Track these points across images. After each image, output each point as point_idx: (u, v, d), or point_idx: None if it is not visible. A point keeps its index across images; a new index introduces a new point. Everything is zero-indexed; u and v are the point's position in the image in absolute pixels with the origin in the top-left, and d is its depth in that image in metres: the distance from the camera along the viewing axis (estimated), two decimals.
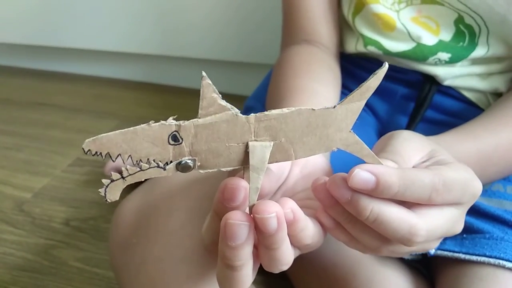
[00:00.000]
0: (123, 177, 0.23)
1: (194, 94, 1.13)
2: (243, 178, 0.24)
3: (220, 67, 1.09)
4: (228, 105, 0.23)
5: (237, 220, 0.22)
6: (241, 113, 0.24)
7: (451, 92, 0.51)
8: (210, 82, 0.22)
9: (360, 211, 0.24)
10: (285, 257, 0.25)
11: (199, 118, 0.23)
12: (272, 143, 0.24)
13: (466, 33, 0.48)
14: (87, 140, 0.22)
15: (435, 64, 0.49)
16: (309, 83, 0.44)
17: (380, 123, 0.54)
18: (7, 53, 1.31)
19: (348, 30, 0.54)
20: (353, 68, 0.55)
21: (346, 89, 0.55)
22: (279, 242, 0.23)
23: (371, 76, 0.24)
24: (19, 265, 0.64)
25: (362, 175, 0.24)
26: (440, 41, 0.48)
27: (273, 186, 0.28)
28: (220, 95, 0.22)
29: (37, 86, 1.21)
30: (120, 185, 0.23)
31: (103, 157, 0.22)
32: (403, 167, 0.27)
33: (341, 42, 0.55)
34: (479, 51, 0.48)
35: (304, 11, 0.52)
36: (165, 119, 0.23)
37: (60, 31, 1.15)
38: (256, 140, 0.24)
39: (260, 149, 0.23)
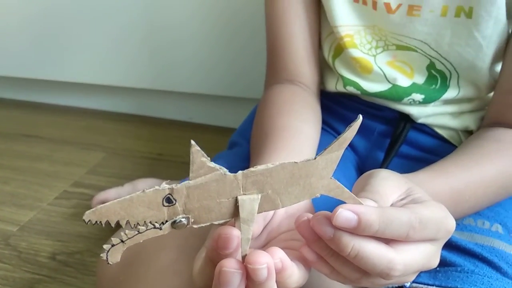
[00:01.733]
0: (122, 241, 0.25)
1: (179, 126, 1.15)
2: (234, 226, 0.26)
3: (206, 100, 1.12)
4: (217, 166, 0.25)
5: (231, 268, 0.24)
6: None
7: (425, 129, 0.54)
8: (199, 148, 0.24)
9: (342, 248, 0.26)
10: None
11: (190, 180, 0.25)
12: (259, 196, 0.26)
13: (438, 77, 0.51)
14: (87, 212, 0.24)
15: (410, 104, 0.52)
16: (292, 122, 0.47)
17: (359, 158, 0.57)
18: None
19: (328, 70, 0.57)
20: (333, 105, 0.58)
21: (326, 125, 0.57)
22: None
23: (347, 129, 0.27)
24: None
25: (345, 214, 0.26)
26: (414, 84, 0.51)
27: (259, 228, 0.30)
28: (209, 158, 0.25)
29: (25, 118, 1.22)
30: (120, 248, 0.25)
31: (103, 225, 0.24)
32: (383, 207, 0.29)
33: (322, 81, 0.58)
34: (451, 93, 0.51)
35: (287, 52, 0.55)
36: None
37: (48, 64, 1.16)
38: (245, 194, 0.26)
39: (249, 202, 0.26)
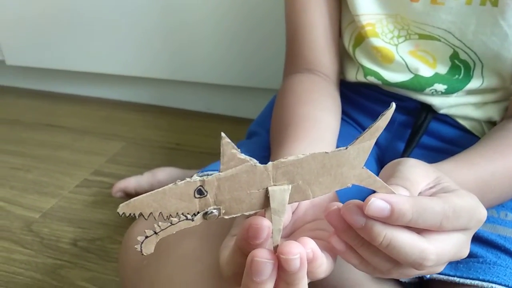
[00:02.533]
0: (156, 233, 0.25)
1: (197, 116, 1.16)
2: (264, 216, 0.26)
3: (225, 91, 1.12)
4: (247, 157, 0.25)
5: (264, 258, 0.24)
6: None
7: (447, 120, 0.53)
8: (229, 140, 0.24)
9: (373, 237, 0.26)
10: None
11: (221, 172, 0.25)
12: (290, 186, 0.26)
13: (461, 67, 0.50)
14: (121, 205, 0.24)
15: (432, 94, 0.51)
16: (312, 111, 0.47)
17: (379, 149, 0.56)
18: (18, 75, 1.34)
19: (348, 60, 0.57)
20: (353, 95, 0.58)
21: (346, 115, 0.57)
22: (299, 279, 0.25)
23: (379, 117, 0.26)
24: (28, 285, 0.65)
25: (378, 203, 0.26)
26: (437, 74, 0.50)
27: (289, 219, 0.30)
28: (239, 149, 0.25)
29: (46, 108, 1.24)
30: (154, 240, 0.25)
31: (137, 217, 0.25)
32: (415, 196, 0.28)
33: (341, 71, 0.57)
34: (474, 83, 0.50)
35: (307, 41, 0.54)
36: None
37: (70, 55, 1.18)
38: (275, 185, 0.26)
39: (280, 193, 0.26)
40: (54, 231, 0.76)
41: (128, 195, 0.78)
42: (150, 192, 0.25)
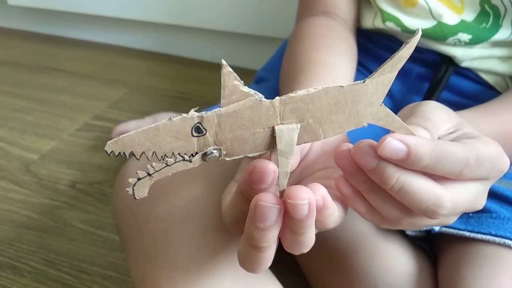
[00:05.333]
0: (149, 175, 0.23)
1: (206, 66, 1.12)
2: (270, 160, 0.24)
3: (232, 39, 1.08)
4: (252, 91, 0.22)
5: (269, 202, 0.22)
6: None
7: (469, 74, 0.50)
8: (231, 69, 0.21)
9: (385, 180, 0.24)
10: (310, 241, 0.25)
11: (222, 107, 0.22)
12: (299, 125, 0.23)
13: (490, 13, 0.46)
14: (109, 142, 0.21)
15: (454, 44, 0.48)
16: (327, 57, 0.44)
17: (393, 102, 0.53)
18: (20, 17, 1.30)
19: (366, 5, 0.53)
20: (368, 44, 0.54)
21: (359, 64, 0.54)
22: (306, 228, 0.23)
23: (403, 45, 0.23)
24: (24, 223, 0.65)
25: (393, 144, 0.23)
26: (462, 21, 0.47)
27: (297, 162, 0.28)
28: (242, 82, 0.22)
29: (49, 51, 1.21)
30: (148, 182, 0.23)
31: (127, 157, 0.22)
32: (436, 140, 0.26)
33: (357, 17, 0.54)
34: (502, 34, 0.46)
35: None
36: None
37: None
38: (283, 123, 0.23)
39: (287, 132, 0.23)
40: (52, 173, 0.75)
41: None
42: (142, 128, 0.22)
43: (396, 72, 0.24)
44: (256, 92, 0.22)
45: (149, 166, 0.23)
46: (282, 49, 0.58)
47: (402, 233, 0.41)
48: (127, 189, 0.23)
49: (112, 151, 0.22)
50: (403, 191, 0.24)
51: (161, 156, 0.22)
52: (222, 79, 0.21)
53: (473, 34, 0.46)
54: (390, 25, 0.49)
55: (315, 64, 0.42)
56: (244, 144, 0.23)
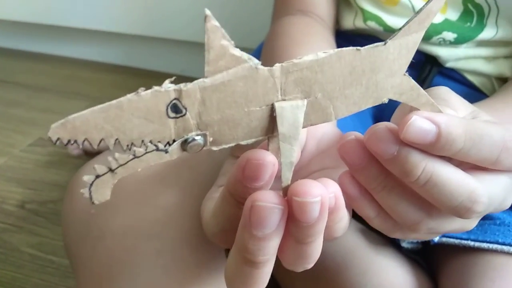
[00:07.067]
0: (111, 170, 0.17)
1: (175, 80, 1.07)
2: (267, 150, 0.19)
3: (202, 50, 1.03)
4: (244, 55, 0.17)
5: (269, 202, 0.17)
6: None
7: (453, 75, 0.48)
8: (218, 24, 0.16)
9: (409, 170, 0.19)
10: (316, 253, 0.20)
11: (206, 77, 0.17)
12: (305, 102, 0.18)
13: (474, 13, 0.45)
14: (53, 126, 0.15)
15: (439, 44, 0.46)
16: (308, 54, 0.40)
17: (376, 106, 0.50)
18: None
19: (345, 5, 0.51)
20: (348, 45, 0.51)
21: None
22: (315, 234, 0.18)
23: None
24: None
25: (421, 123, 0.19)
26: (446, 20, 0.45)
27: (298, 152, 0.23)
28: (233, 42, 0.17)
29: (1, 64, 1.12)
30: (110, 181, 0.17)
31: (80, 146, 0.16)
32: (468, 119, 0.22)
33: (337, 18, 0.51)
34: (487, 33, 0.45)
35: None
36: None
37: (29, 4, 1.07)
38: (285, 100, 0.18)
39: (291, 111, 0.18)
40: None
41: (88, 154, 0.70)
42: (98, 107, 0.16)
43: (423, 32, 0.20)
44: (250, 56, 0.17)
45: (110, 159, 0.17)
46: (258, 51, 0.55)
47: (396, 246, 0.37)
48: (81, 190, 0.17)
49: (58, 138, 0.16)
50: (431, 184, 0.19)
51: (127, 145, 0.17)
52: (206, 37, 0.16)
53: (458, 33, 0.45)
54: (371, 24, 0.47)
55: None
56: (236, 128, 0.18)
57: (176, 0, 0.96)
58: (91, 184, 0.17)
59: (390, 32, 0.47)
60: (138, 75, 1.09)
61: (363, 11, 0.47)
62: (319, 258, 0.36)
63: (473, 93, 0.47)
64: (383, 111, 0.49)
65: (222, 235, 0.21)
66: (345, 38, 0.51)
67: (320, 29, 0.46)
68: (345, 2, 0.50)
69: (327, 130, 0.27)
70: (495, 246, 0.31)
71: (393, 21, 0.46)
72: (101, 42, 1.13)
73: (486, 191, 0.21)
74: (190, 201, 0.30)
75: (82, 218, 0.32)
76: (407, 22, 0.19)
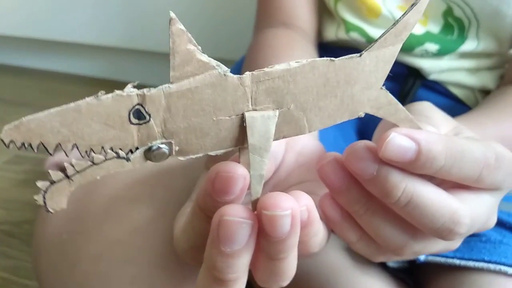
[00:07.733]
0: (68, 177, 0.16)
1: None
2: (238, 162, 0.18)
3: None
4: (212, 61, 0.17)
5: (237, 216, 0.16)
6: None
7: (437, 88, 0.48)
8: (183, 28, 0.16)
9: (389, 190, 0.19)
10: (291, 269, 0.19)
11: (172, 82, 0.16)
12: (277, 112, 0.18)
13: (454, 26, 0.45)
14: (6, 127, 0.15)
15: (422, 56, 0.46)
16: None
17: (359, 119, 0.49)
18: None
19: (328, 16, 0.50)
20: (331, 56, 0.51)
21: None
22: (288, 250, 0.17)
23: (408, 9, 0.18)
24: None
25: (400, 141, 0.18)
26: (428, 32, 0.45)
27: (271, 168, 0.23)
28: (200, 47, 0.16)
29: None
30: (66, 188, 0.16)
31: (35, 150, 0.16)
32: (448, 135, 0.21)
33: (319, 31, 0.51)
34: (469, 45, 0.45)
35: None
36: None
37: (5, 16, 1.04)
38: (255, 110, 0.18)
39: (262, 122, 0.17)
40: None
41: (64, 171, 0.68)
42: (55, 109, 0.16)
43: (401, 45, 0.19)
44: (218, 63, 0.16)
45: (67, 165, 0.16)
46: (239, 65, 0.54)
47: (382, 265, 0.36)
48: (35, 197, 0.16)
49: (11, 141, 0.15)
50: (412, 205, 0.19)
51: (86, 151, 0.16)
52: (170, 41, 0.16)
53: (441, 45, 0.45)
54: (354, 35, 0.46)
55: None
56: (204, 138, 0.17)
57: (157, 13, 0.95)
58: (46, 191, 0.16)
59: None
60: (121, 88, 1.07)
61: (345, 22, 0.47)
62: (303, 279, 0.35)
63: (457, 105, 0.47)
64: (367, 125, 0.49)
65: (193, 252, 0.21)
66: (328, 50, 0.51)
67: (302, 42, 0.46)
68: (328, 13, 0.50)
69: (307, 143, 0.26)
70: (481, 264, 0.31)
71: (376, 32, 0.46)
72: (82, 55, 1.11)
73: (469, 212, 0.20)
74: (165, 222, 0.28)
75: (54, 243, 0.30)
76: (383, 34, 0.19)
